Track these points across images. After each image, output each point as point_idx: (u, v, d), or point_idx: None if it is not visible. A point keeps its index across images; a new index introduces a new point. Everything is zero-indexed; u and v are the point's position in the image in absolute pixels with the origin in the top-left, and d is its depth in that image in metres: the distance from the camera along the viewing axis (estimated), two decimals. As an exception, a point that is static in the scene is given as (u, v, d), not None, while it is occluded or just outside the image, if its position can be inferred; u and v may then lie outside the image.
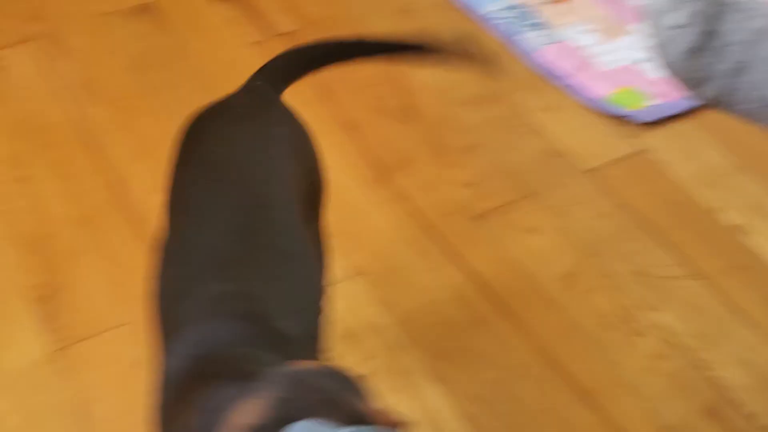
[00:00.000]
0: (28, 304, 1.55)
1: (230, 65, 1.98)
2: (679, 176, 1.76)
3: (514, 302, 1.56)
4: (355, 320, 1.53)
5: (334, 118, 1.87)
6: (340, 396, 0.76)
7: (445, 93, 1.93)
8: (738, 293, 1.57)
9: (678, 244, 1.64)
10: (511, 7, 2.12)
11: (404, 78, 1.95)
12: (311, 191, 1.17)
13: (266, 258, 0.97)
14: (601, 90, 1.91)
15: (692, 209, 1.70)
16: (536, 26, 2.08)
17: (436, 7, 2.15)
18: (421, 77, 1.95)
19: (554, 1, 2.15)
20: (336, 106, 1.90)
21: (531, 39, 2.04)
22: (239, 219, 0.99)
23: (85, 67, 1.98)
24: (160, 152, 1.80)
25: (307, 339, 0.95)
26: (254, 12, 2.14)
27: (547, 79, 1.96)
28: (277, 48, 1.25)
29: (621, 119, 1.87)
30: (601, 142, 1.83)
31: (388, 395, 1.38)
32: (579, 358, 1.48)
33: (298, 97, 1.22)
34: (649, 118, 1.86)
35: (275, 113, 1.16)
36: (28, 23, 2.08)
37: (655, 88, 1.89)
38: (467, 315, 1.54)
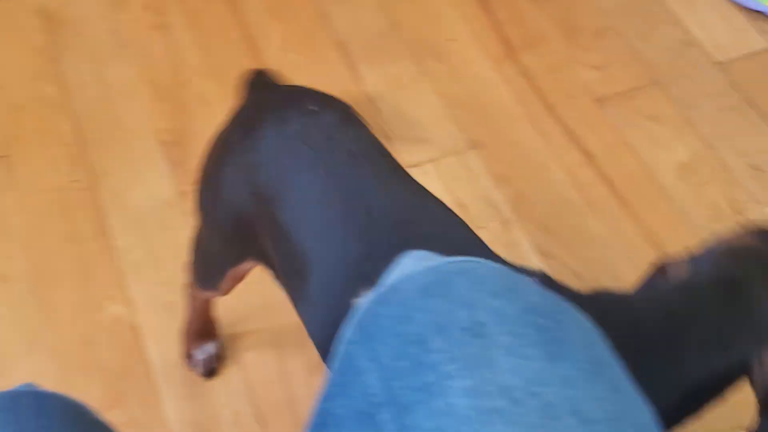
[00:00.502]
0: (159, 147, 1.63)
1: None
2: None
3: (628, 188, 1.57)
4: (468, 191, 1.57)
5: (468, -10, 1.88)
6: None
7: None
8: None
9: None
10: None
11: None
12: None
13: None
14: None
15: (823, 111, 1.67)
16: None
17: None
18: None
19: None
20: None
21: None
22: None
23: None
24: (296, 14, 1.84)
25: None
26: None
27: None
28: None
29: (760, 14, 1.82)
30: (736, 35, 1.79)
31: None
32: (686, 247, 1.48)
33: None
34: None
35: None
36: None
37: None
38: (580, 196, 1.56)
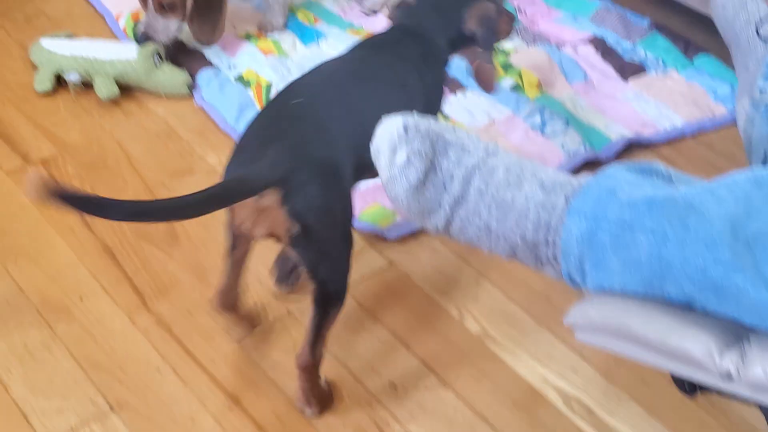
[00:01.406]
0: None
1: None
2: (424, 286, 1.84)
3: (277, 427, 1.58)
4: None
5: (92, 244, 1.87)
6: None
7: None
8: (483, 400, 1.64)
9: (426, 354, 1.71)
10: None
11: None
12: None
13: None
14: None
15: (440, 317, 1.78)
16: None
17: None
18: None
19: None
20: (93, 232, 1.89)
21: None
22: None
23: None
24: None
25: None
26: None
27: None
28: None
29: (375, 235, 1.93)
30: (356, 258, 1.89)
31: None
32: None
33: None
34: (397, 234, 1.93)
35: None
36: None
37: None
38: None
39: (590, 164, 2.10)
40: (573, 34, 2.49)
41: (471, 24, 1.85)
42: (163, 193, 1.98)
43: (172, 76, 2.25)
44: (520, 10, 2.56)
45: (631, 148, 2.17)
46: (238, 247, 1.56)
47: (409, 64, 1.72)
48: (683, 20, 2.49)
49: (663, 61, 2.41)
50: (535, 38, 2.45)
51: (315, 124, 1.48)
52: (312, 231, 1.43)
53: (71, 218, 1.90)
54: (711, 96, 2.31)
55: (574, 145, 2.11)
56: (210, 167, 2.07)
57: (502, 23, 1.93)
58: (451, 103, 2.23)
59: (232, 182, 1.41)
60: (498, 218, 1.26)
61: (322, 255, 1.47)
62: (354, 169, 1.51)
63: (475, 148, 1.28)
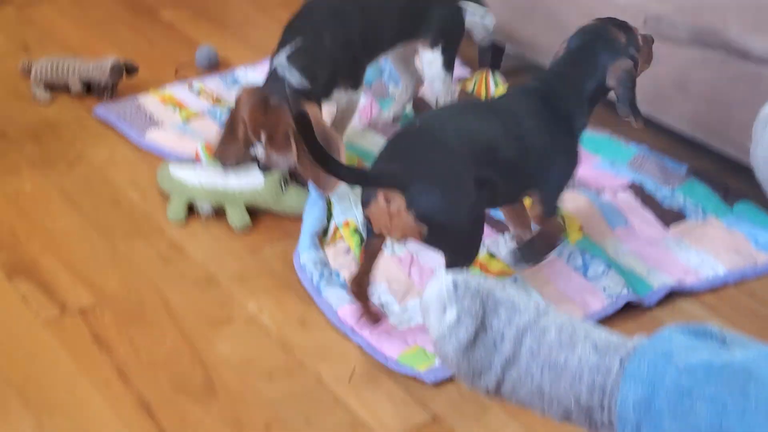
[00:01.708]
0: None
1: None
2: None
3: None
4: None
5: (129, 398, 1.84)
6: None
7: (245, 366, 1.92)
8: None
9: None
10: (318, 262, 2.17)
11: (204, 352, 1.95)
12: None
13: None
14: (394, 350, 1.95)
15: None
16: (341, 285, 2.12)
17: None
18: (222, 350, 1.95)
19: (357, 261, 2.20)
20: (130, 385, 1.86)
21: (334, 296, 2.09)
22: None
23: None
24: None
25: None
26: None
27: (349, 338, 2.00)
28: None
29: (417, 382, 1.89)
30: (399, 410, 1.84)
31: None
32: None
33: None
34: (436, 378, 1.89)
35: None
36: None
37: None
38: None
39: (633, 308, 2.07)
40: (612, 179, 2.48)
41: (611, 81, 2.03)
42: (202, 345, 1.96)
43: (299, 199, 2.31)
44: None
45: (673, 295, 2.14)
46: (374, 242, 1.88)
47: (538, 121, 1.98)
48: (721, 167, 2.48)
49: (703, 208, 2.39)
50: (574, 184, 2.44)
51: (435, 144, 1.80)
52: (438, 230, 1.74)
53: (107, 370, 1.88)
54: (752, 243, 2.28)
55: (617, 289, 2.10)
56: (249, 315, 2.05)
57: (644, 51, 2.13)
58: (498, 244, 2.23)
59: (366, 171, 1.88)
60: (551, 380, 1.23)
61: (453, 247, 1.81)
62: (476, 181, 1.81)
63: (526, 307, 1.26)
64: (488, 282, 1.28)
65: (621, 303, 2.07)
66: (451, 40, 2.48)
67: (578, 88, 2.05)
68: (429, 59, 2.47)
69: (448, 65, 2.48)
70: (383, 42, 2.42)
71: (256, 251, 2.24)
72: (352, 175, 1.83)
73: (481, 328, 1.24)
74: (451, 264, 1.83)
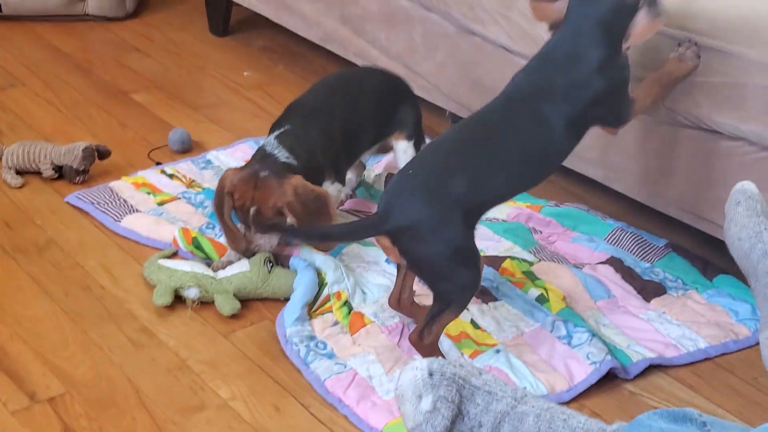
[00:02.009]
0: None
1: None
2: None
3: None
4: None
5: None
6: None
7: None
8: None
9: None
10: (304, 337, 2.16)
11: None
12: None
13: None
14: (380, 421, 1.93)
15: None
16: (327, 355, 2.12)
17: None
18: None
19: (345, 332, 2.20)
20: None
21: (321, 368, 2.08)
22: None
23: None
24: None
25: None
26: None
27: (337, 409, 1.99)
28: None
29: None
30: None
31: None
32: None
33: None
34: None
35: None
36: None
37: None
38: None
39: (613, 385, 2.06)
40: (590, 254, 2.47)
41: None
42: (173, 432, 1.92)
43: (285, 280, 2.29)
44: (535, 230, 2.56)
45: (653, 369, 2.13)
46: (398, 266, 2.13)
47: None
48: (700, 241, 2.47)
49: (683, 281, 2.38)
50: (552, 257, 2.43)
51: (420, 185, 1.99)
52: (416, 263, 1.99)
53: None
54: (733, 317, 2.27)
55: (600, 355, 2.09)
56: (222, 401, 2.01)
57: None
58: (482, 312, 2.23)
59: (355, 225, 2.22)
60: (531, 468, 1.19)
61: (431, 277, 2.01)
62: (466, 215, 1.99)
63: (503, 393, 1.23)
64: (464, 368, 1.26)
65: (605, 369, 2.06)
66: (421, 129, 2.63)
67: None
68: (403, 148, 2.58)
69: (419, 148, 2.59)
70: (363, 143, 2.54)
71: (229, 335, 2.21)
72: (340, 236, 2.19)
73: (458, 416, 1.21)
74: (437, 307, 2.00)
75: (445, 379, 1.23)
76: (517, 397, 1.24)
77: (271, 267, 2.30)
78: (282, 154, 2.30)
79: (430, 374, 1.23)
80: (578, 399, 2.03)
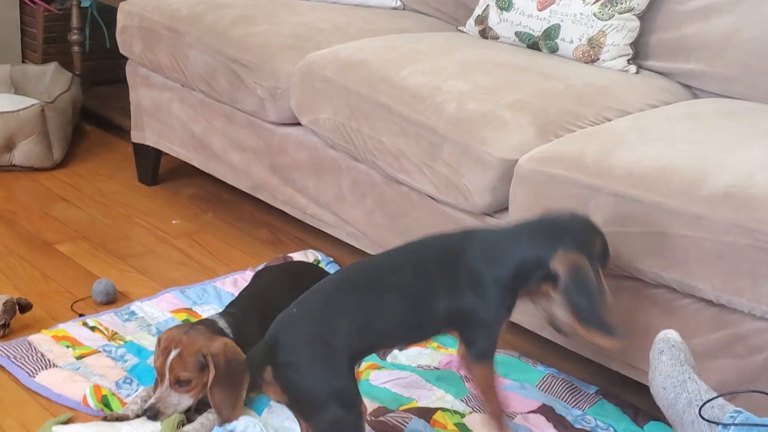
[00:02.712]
0: None
1: None
2: None
3: None
4: None
5: None
6: None
7: None
8: None
9: None
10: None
11: None
12: None
13: None
14: None
15: None
16: None
17: None
18: None
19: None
20: None
21: None
22: None
23: None
24: None
25: None
26: None
27: None
28: None
29: None
30: None
31: None
32: None
33: None
34: None
35: None
36: None
37: None
38: None
39: None
40: (521, 402, 2.45)
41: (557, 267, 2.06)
42: None
43: None
44: (466, 379, 2.54)
45: None
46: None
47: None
48: (630, 388, 2.47)
49: (614, 429, 2.37)
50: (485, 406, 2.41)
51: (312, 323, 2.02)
52: (295, 399, 2.00)
53: None
54: (664, 466, 2.26)
55: None
56: None
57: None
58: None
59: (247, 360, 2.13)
60: None
61: (309, 414, 2.02)
62: (352, 354, 2.03)
63: None
64: None
65: None
66: None
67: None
68: None
69: None
70: None
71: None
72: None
73: None
74: None
75: None
76: None
77: (182, 428, 2.24)
78: (222, 324, 2.38)
79: None
80: None
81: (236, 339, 2.34)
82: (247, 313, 2.47)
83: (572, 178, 2.33)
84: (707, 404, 1.83)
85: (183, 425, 2.23)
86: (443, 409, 2.36)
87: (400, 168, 2.68)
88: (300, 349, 1.98)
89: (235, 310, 2.49)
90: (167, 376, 2.24)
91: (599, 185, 2.29)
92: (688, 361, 1.96)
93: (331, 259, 3.08)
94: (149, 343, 2.63)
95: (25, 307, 2.70)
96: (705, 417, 1.81)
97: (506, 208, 2.51)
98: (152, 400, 2.25)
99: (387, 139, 2.68)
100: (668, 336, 2.01)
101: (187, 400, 2.27)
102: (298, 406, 2.03)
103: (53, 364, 2.52)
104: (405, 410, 2.38)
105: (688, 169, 2.23)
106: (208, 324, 2.36)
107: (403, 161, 2.67)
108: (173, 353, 2.24)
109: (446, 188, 2.58)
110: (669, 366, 1.94)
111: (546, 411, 2.40)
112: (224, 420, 2.25)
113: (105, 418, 2.29)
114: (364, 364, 2.60)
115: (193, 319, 2.63)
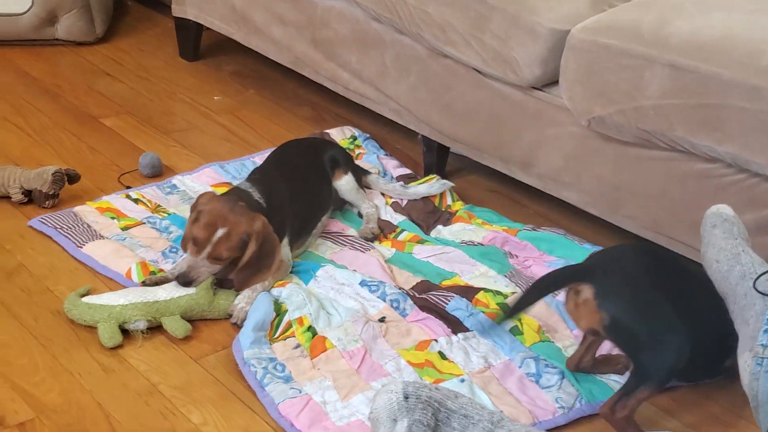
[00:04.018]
0: None
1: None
2: None
3: None
4: None
5: None
6: None
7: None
8: None
9: None
10: (262, 358, 2.12)
11: None
12: None
13: None
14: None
15: None
16: (284, 378, 2.09)
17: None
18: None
19: (305, 355, 2.16)
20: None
21: (276, 391, 2.05)
22: None
23: None
24: None
25: None
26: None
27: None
28: None
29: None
30: None
31: None
32: None
33: None
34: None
35: None
36: None
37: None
38: None
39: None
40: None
41: None
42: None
43: (227, 300, 2.29)
44: (511, 254, 2.54)
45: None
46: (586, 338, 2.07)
47: None
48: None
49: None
50: (528, 282, 2.41)
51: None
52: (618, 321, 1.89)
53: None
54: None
55: (570, 400, 2.07)
56: (193, 427, 1.97)
57: None
58: (451, 344, 2.20)
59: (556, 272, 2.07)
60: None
61: (632, 342, 1.91)
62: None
63: (480, 417, 1.21)
64: (440, 391, 1.23)
65: (573, 416, 2.05)
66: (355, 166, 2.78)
67: None
68: (346, 181, 2.70)
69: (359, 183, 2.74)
70: (315, 214, 2.60)
71: (200, 360, 2.17)
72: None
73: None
74: (634, 381, 1.93)
75: (420, 402, 1.20)
76: (494, 421, 1.22)
77: (215, 289, 2.30)
78: (256, 196, 2.40)
79: (406, 397, 1.20)
80: (555, 428, 2.02)
81: (267, 209, 2.38)
82: (275, 184, 2.49)
83: (627, 49, 2.29)
84: (761, 277, 1.83)
85: (214, 283, 2.29)
86: (486, 290, 2.36)
87: (446, 40, 2.64)
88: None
89: (263, 177, 2.52)
90: (207, 249, 2.27)
91: (655, 55, 2.24)
92: (741, 235, 1.95)
93: (368, 135, 3.07)
94: (192, 215, 2.65)
95: (73, 178, 2.71)
96: (759, 289, 1.81)
97: (556, 82, 2.48)
98: (184, 269, 2.29)
99: (433, 9, 2.64)
100: (721, 210, 1.99)
101: (215, 269, 2.31)
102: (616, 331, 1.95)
103: (100, 236, 2.55)
104: (447, 287, 2.39)
105: (748, 40, 2.18)
106: (244, 197, 2.37)
107: (449, 33, 2.63)
108: (220, 232, 2.26)
109: (494, 61, 2.55)
110: (722, 239, 1.92)
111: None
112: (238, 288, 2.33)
113: (144, 282, 2.33)
114: (406, 234, 2.61)
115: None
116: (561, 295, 2.35)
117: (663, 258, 2.06)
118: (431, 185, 2.77)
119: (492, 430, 1.20)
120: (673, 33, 2.26)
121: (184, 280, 2.27)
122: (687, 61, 2.20)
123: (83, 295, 2.28)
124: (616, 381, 2.12)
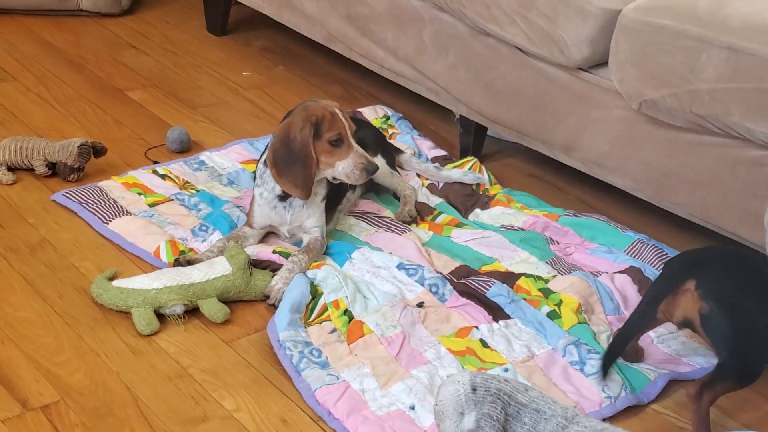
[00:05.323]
0: None
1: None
2: None
3: None
4: None
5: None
6: None
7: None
8: None
9: None
10: (299, 342, 2.06)
11: None
12: None
13: None
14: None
15: None
16: (321, 364, 2.02)
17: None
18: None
19: (342, 340, 2.10)
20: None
21: (313, 377, 1.98)
22: None
23: None
24: None
25: None
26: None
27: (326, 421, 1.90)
28: None
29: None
30: None
31: None
32: None
33: None
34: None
35: None
36: None
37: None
38: None
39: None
40: (609, 265, 2.38)
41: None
42: (175, 445, 1.81)
43: (264, 280, 2.22)
44: (552, 240, 2.46)
45: (671, 385, 2.07)
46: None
47: None
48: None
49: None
50: (570, 269, 2.34)
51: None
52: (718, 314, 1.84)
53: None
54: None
55: (616, 389, 2.00)
56: (226, 413, 1.90)
57: None
58: (493, 331, 2.13)
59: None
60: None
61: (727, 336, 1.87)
62: None
63: (553, 412, 1.13)
64: (510, 383, 1.15)
65: (621, 406, 1.98)
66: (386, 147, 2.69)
67: None
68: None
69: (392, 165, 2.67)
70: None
71: (232, 342, 2.10)
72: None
73: (504, 434, 1.11)
74: (724, 372, 1.89)
75: (489, 394, 1.13)
76: (568, 417, 1.15)
77: (251, 269, 2.22)
78: None
79: (474, 389, 1.13)
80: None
81: None
82: None
83: (683, 30, 2.20)
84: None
85: (250, 263, 2.21)
86: (527, 275, 2.29)
87: (490, 18, 2.55)
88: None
89: None
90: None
91: (712, 37, 2.16)
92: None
93: (401, 115, 2.99)
94: (221, 192, 2.58)
95: (100, 151, 2.64)
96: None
97: (604, 63, 2.39)
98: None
99: (477, -15, 2.56)
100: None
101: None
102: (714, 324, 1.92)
103: (127, 212, 2.47)
104: (487, 273, 2.32)
105: (812, 22, 2.10)
106: None
107: (493, 10, 2.54)
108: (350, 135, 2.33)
109: (540, 40, 2.46)
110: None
111: (633, 273, 2.33)
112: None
113: (177, 261, 2.26)
114: (444, 217, 2.54)
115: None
116: (602, 277, 2.30)
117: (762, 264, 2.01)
118: (465, 173, 2.68)
119: (566, 426, 1.13)
120: (730, 15, 2.17)
121: (373, 168, 2.30)
122: (746, 43, 2.11)
123: (111, 279, 2.20)
124: (650, 369, 2.06)
